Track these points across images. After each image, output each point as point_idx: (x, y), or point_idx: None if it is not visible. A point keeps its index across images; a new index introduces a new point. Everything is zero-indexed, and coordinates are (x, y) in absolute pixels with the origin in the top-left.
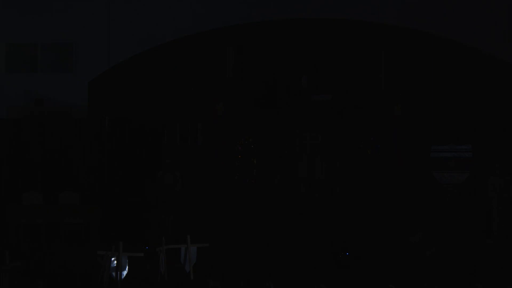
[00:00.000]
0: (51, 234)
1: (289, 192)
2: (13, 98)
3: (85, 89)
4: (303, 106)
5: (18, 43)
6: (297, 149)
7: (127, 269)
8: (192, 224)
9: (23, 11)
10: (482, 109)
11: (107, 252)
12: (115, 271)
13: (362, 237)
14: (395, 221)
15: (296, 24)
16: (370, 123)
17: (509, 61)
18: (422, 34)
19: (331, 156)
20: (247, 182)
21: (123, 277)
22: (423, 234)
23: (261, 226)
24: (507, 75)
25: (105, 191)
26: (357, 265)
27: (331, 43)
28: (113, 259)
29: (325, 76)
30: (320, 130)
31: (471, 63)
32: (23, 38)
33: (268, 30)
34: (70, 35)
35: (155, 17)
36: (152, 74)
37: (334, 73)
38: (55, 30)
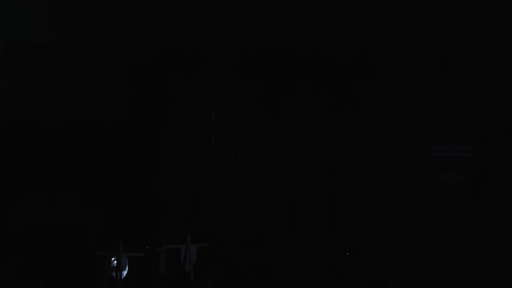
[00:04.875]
0: (51, 234)
1: (289, 192)
2: (14, 99)
3: (85, 89)
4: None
5: (18, 43)
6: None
7: (127, 269)
8: (192, 224)
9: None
10: (482, 110)
11: (107, 252)
12: (115, 271)
13: (362, 237)
14: (395, 221)
15: None
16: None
17: None
18: None
19: (331, 156)
20: (247, 182)
21: (123, 277)
22: None
23: (261, 225)
24: None
25: (105, 191)
26: (357, 265)
27: None
28: (113, 259)
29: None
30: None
31: None
32: (23, 38)
33: None
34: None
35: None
36: (152, 75)
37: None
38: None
